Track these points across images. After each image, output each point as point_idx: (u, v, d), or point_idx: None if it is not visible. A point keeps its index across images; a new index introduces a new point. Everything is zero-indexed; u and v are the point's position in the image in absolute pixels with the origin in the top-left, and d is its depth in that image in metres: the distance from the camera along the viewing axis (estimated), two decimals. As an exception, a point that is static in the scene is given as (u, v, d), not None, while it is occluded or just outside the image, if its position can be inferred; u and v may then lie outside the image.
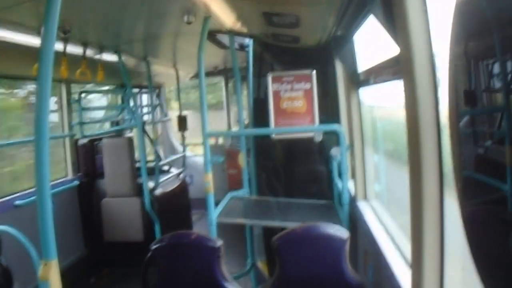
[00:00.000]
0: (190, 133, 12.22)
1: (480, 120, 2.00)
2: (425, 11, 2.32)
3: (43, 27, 2.33)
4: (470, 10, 1.84)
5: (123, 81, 7.47)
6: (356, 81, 5.02)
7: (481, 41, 1.86)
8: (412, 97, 2.37)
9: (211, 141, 10.86)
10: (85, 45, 5.92)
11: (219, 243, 3.79)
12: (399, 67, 2.87)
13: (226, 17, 5.23)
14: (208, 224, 5.17)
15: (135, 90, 9.15)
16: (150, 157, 8.58)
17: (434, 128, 2.33)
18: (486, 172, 1.88)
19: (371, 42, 4.82)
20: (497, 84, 1.78)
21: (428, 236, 2.44)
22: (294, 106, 5.76)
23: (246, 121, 7.91)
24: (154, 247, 3.87)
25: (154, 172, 7.58)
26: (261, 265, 6.94)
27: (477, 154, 1.99)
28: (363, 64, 4.93)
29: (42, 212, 2.40)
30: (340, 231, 3.75)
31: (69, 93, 7.53)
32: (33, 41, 5.04)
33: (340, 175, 5.20)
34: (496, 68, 1.77)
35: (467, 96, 1.99)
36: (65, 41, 5.33)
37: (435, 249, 2.44)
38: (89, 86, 8.82)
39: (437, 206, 2.40)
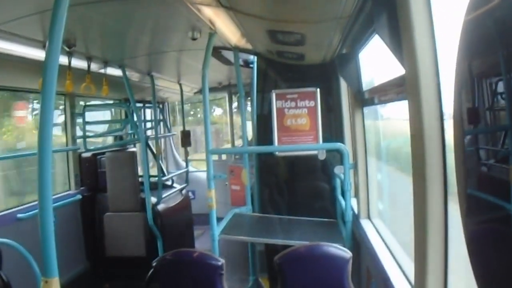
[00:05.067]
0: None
1: (483, 138, 1.99)
2: (432, 32, 2.32)
3: (48, 40, 2.34)
4: (477, 28, 1.83)
5: (127, 95, 7.47)
6: (361, 99, 5.03)
7: (485, 59, 1.86)
8: (418, 117, 2.37)
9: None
10: (89, 59, 5.92)
11: (222, 261, 3.78)
12: (404, 87, 2.87)
13: (231, 34, 5.25)
14: (210, 240, 5.15)
15: (139, 104, 9.15)
16: (153, 172, 8.55)
17: (439, 147, 2.33)
18: (490, 190, 1.88)
19: (376, 60, 4.84)
20: (501, 102, 1.78)
21: (432, 255, 2.43)
22: (298, 124, 5.77)
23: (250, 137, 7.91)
24: (156, 263, 3.86)
25: (157, 187, 7.55)
26: (264, 281, 6.91)
27: (481, 172, 1.98)
28: (368, 83, 4.95)
29: (44, 228, 2.38)
30: (342, 251, 3.74)
31: (73, 107, 7.54)
32: (39, 54, 5.05)
33: (343, 193, 5.19)
34: (500, 86, 1.76)
35: (470, 114, 1.98)
36: (70, 55, 5.34)
37: (439, 268, 2.43)
38: (93, 100, 8.82)
39: (441, 225, 2.39)
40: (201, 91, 11.40)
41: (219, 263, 3.76)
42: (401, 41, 2.57)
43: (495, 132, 1.87)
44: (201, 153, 14.35)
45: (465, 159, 2.05)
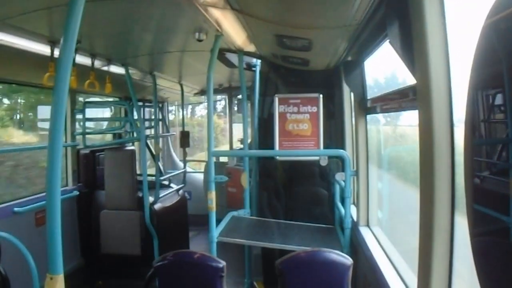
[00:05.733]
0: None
1: (478, 150, 2.00)
2: (446, 42, 2.33)
3: (62, 38, 2.33)
4: (496, 35, 1.82)
5: (127, 93, 7.47)
6: (364, 107, 5.03)
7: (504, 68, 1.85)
8: (428, 127, 2.37)
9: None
10: (93, 56, 5.93)
11: (223, 263, 3.78)
12: (412, 97, 2.87)
13: (237, 36, 5.25)
14: (209, 242, 5.14)
15: (139, 103, 9.14)
16: (151, 171, 8.54)
17: (449, 159, 2.33)
18: (486, 203, 1.88)
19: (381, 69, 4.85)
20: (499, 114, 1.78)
21: (437, 266, 2.44)
22: (300, 129, 5.77)
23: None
24: (156, 264, 3.85)
25: (154, 186, 7.55)
26: (258, 285, 6.91)
27: (476, 184, 1.98)
28: (372, 91, 4.96)
29: (51, 224, 2.39)
30: (343, 258, 3.75)
31: (73, 103, 7.53)
32: (43, 49, 5.05)
33: (343, 199, 5.19)
34: (499, 99, 1.77)
35: (482, 126, 1.98)
36: (75, 51, 5.33)
37: (443, 279, 2.44)
38: (92, 97, 8.81)
39: (447, 236, 2.40)
40: (201, 93, 11.50)
41: (220, 265, 3.76)
42: (413, 51, 2.58)
43: (503, 144, 1.87)
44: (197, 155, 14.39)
45: (474, 170, 2.05)
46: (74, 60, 5.31)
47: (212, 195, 5.24)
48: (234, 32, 5.04)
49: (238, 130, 11.42)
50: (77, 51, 5.38)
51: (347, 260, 3.73)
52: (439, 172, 2.36)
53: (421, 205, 2.56)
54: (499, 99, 1.86)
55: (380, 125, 5.85)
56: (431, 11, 2.37)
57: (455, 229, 2.40)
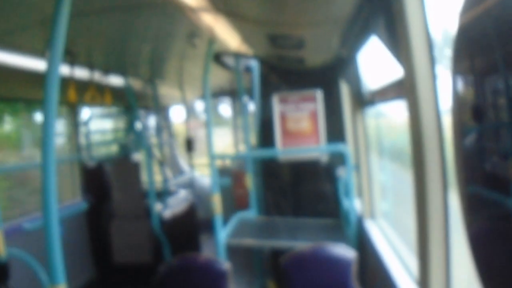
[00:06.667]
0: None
1: (487, 135, 2.02)
2: (428, 33, 2.36)
3: (48, 51, 2.37)
4: (474, 28, 1.86)
5: (129, 103, 7.50)
6: (361, 101, 5.05)
7: (485, 58, 1.88)
8: (416, 116, 2.40)
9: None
10: (92, 68, 5.96)
11: (227, 265, 3.81)
12: (403, 88, 2.90)
13: (231, 40, 5.28)
14: (216, 245, 5.17)
15: (142, 112, 9.17)
16: (158, 179, 8.57)
17: (438, 145, 2.36)
18: (493, 187, 1.90)
19: (375, 61, 4.86)
20: (502, 99, 1.80)
21: (434, 252, 2.46)
22: (300, 127, 5.78)
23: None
24: (162, 269, 3.89)
25: (162, 193, 7.57)
26: (271, 284, 6.92)
27: (485, 170, 2.00)
28: (368, 84, 4.97)
29: (49, 236, 2.42)
30: (346, 252, 3.78)
31: (76, 117, 7.58)
32: (41, 65, 5.10)
33: (346, 194, 5.21)
34: (500, 84, 1.79)
35: (474, 112, 2.01)
36: (72, 64, 5.37)
37: (441, 264, 2.46)
38: (96, 109, 8.85)
39: (442, 222, 2.42)
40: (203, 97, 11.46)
41: (224, 268, 3.79)
42: (398, 43, 2.60)
43: (494, 129, 1.90)
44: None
45: (463, 156, 2.08)
46: (72, 73, 5.40)
47: (216, 197, 5.26)
48: (228, 35, 5.07)
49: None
50: (74, 64, 5.42)
51: (350, 253, 3.75)
52: (430, 156, 2.38)
53: (415, 186, 2.58)
54: (480, 86, 1.89)
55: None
56: (412, 2, 2.39)
57: (448, 209, 2.43)
